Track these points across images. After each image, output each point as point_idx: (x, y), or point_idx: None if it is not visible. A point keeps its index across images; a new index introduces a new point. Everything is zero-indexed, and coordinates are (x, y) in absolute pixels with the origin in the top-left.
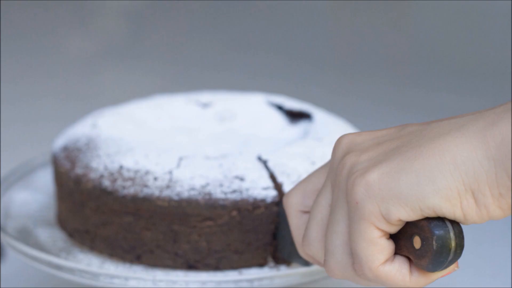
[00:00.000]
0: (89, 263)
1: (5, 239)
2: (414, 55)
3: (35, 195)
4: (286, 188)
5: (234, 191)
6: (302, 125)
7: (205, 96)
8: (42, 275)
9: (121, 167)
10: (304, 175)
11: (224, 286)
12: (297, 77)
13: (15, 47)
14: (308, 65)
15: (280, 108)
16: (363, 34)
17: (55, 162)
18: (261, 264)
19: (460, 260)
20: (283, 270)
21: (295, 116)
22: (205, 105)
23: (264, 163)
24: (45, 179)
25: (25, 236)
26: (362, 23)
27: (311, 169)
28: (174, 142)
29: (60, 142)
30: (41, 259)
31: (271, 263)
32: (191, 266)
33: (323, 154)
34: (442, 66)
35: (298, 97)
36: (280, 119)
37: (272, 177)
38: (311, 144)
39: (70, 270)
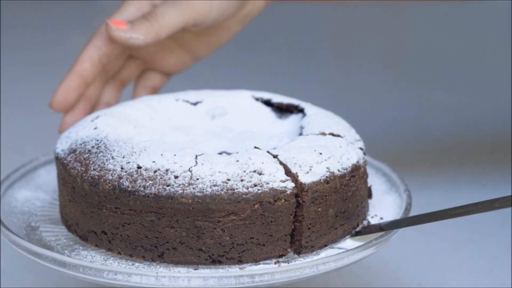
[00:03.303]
0: (92, 259)
1: (9, 237)
2: (410, 52)
3: (38, 193)
4: (302, 178)
5: (255, 185)
6: (292, 119)
7: (192, 96)
8: (46, 272)
9: (139, 167)
10: (314, 166)
11: (225, 282)
12: (274, 73)
13: (17, 48)
14: (287, 63)
15: (267, 103)
16: (357, 31)
17: (63, 165)
18: (282, 255)
19: (457, 256)
20: (284, 266)
21: (283, 110)
22: (194, 104)
23: (275, 157)
24: (45, 178)
25: (29, 233)
26: (356, 20)
27: (320, 159)
28: (176, 140)
29: (63, 145)
30: (45, 256)
31: (291, 253)
32: (214, 261)
33: (328, 145)
34: (439, 65)
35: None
36: (269, 114)
37: (286, 169)
38: (313, 138)
39: (74, 267)
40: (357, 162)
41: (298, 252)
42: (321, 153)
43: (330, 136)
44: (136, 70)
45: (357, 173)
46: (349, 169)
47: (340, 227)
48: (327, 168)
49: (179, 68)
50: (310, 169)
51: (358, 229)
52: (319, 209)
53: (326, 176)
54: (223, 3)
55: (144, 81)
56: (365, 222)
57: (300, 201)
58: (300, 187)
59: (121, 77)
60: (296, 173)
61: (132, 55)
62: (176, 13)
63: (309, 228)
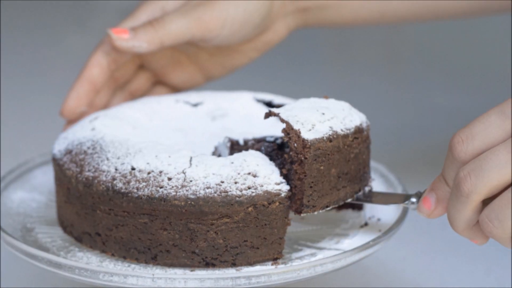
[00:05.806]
0: (88, 261)
1: (4, 238)
2: (410, 54)
3: (33, 194)
4: (305, 134)
5: (249, 188)
6: None
7: (193, 97)
8: (42, 274)
9: (133, 169)
10: (317, 124)
11: (221, 283)
12: (275, 75)
13: (15, 49)
14: (288, 64)
15: (268, 105)
16: (358, 32)
17: (59, 166)
18: (276, 258)
19: (456, 257)
20: (281, 267)
21: None
22: (195, 105)
23: (277, 115)
24: (41, 179)
25: (24, 234)
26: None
27: (322, 118)
28: (175, 141)
29: (60, 145)
30: (41, 257)
31: (287, 254)
32: (208, 263)
33: (330, 107)
34: (438, 66)
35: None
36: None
37: (288, 126)
38: (316, 100)
39: (70, 268)
40: (360, 124)
41: (299, 211)
42: (323, 113)
43: (333, 100)
44: (146, 82)
45: (360, 135)
46: (352, 130)
47: (343, 189)
48: (330, 127)
49: (190, 85)
50: (313, 127)
51: (359, 194)
52: (322, 167)
53: (329, 135)
54: (237, 22)
55: (152, 95)
56: (366, 189)
57: (302, 158)
58: (302, 144)
59: (130, 88)
60: (299, 129)
61: (143, 66)
62: (184, 23)
63: (311, 187)
